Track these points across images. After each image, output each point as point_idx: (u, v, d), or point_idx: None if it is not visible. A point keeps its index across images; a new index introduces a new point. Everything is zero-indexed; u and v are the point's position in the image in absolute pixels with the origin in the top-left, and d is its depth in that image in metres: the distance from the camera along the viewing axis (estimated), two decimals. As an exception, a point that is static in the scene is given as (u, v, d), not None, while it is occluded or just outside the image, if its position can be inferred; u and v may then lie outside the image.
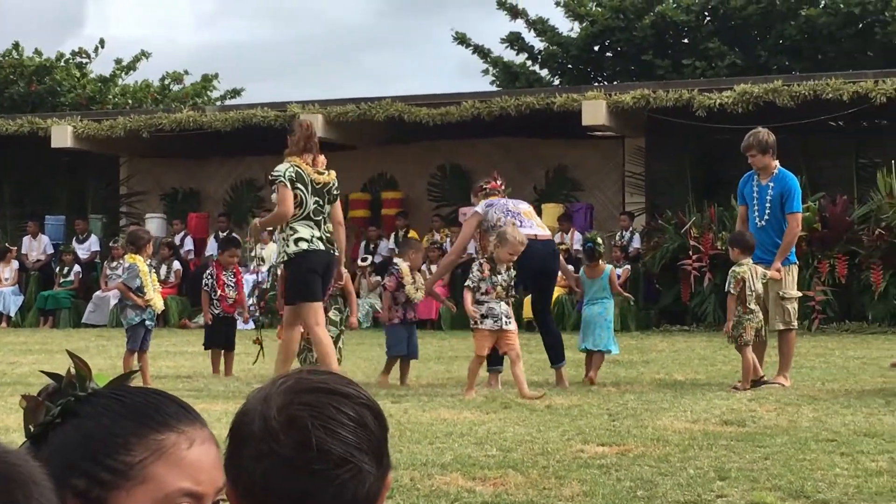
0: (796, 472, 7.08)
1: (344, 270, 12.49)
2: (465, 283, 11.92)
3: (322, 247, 11.27)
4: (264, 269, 22.78)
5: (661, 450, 7.91)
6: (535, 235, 12.55)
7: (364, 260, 24.20)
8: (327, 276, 11.45)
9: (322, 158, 11.70)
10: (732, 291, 11.89)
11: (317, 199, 11.37)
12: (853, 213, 20.74)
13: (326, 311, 12.19)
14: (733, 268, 11.96)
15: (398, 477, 6.96)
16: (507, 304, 11.64)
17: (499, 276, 11.56)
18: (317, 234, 11.29)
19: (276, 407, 1.99)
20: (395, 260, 13.83)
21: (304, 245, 11.21)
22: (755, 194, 12.41)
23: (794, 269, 12.45)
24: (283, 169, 11.39)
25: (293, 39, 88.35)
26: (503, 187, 13.33)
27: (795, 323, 12.35)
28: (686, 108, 21.73)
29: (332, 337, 12.22)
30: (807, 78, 21.83)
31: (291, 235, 11.26)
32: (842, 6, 30.98)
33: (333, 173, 11.75)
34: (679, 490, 6.65)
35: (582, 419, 9.48)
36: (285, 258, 11.33)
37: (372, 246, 24.84)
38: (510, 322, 11.58)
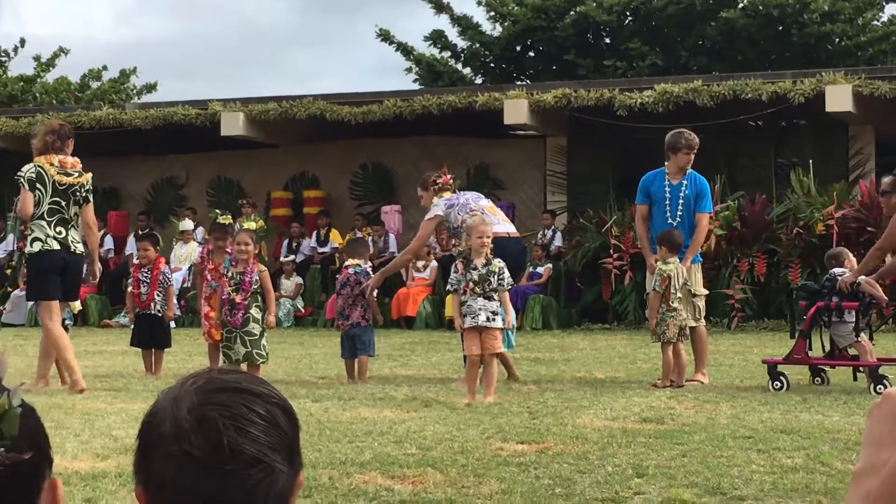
0: (713, 468, 7.13)
1: (262, 267, 12.52)
2: (447, 288, 11.74)
3: (56, 246, 11.43)
4: (184, 267, 22.68)
5: (581, 447, 7.93)
6: (508, 234, 12.63)
7: (286, 258, 24.13)
8: (69, 275, 11.60)
9: (73, 160, 11.71)
10: (658, 289, 11.98)
11: (57, 199, 11.48)
12: (772, 212, 20.92)
13: (248, 308, 12.11)
14: (660, 265, 12.04)
15: (317, 476, 6.94)
16: (489, 298, 11.02)
17: (473, 272, 11.04)
18: (51, 233, 11.43)
19: (187, 407, 1.96)
20: (361, 263, 13.46)
21: (38, 245, 11.45)
22: (667, 193, 12.53)
23: (699, 268, 12.65)
24: (25, 170, 11.60)
25: (212, 36, 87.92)
26: (452, 181, 13.19)
27: (703, 320, 12.53)
28: (607, 107, 21.83)
29: (256, 335, 12.16)
30: (726, 78, 22.01)
31: (30, 235, 11.54)
32: (760, 8, 31.29)
33: (88, 175, 11.78)
34: (597, 487, 6.68)
35: (502, 417, 9.50)
36: (26, 257, 11.80)
37: (294, 244, 24.75)
38: (494, 319, 10.99)
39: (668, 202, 12.52)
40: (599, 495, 6.51)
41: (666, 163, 12.69)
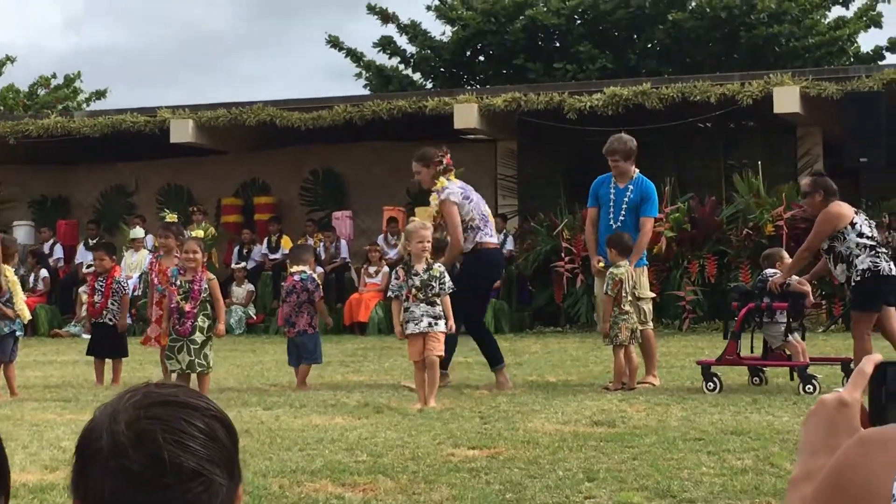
0: (663, 471, 7.15)
1: (211, 275, 12.50)
2: (387, 294, 11.68)
3: None
4: (135, 275, 22.56)
5: (532, 452, 7.94)
6: (496, 244, 12.66)
7: (238, 265, 24.05)
8: None
9: None
10: (610, 293, 12.02)
11: None
12: (722, 213, 21.02)
13: (196, 316, 12.05)
14: (611, 269, 12.09)
15: (268, 485, 6.92)
16: (431, 303, 11.00)
17: (415, 278, 11.02)
18: None
19: (125, 422, 1.94)
20: (307, 270, 13.42)
21: None
22: (612, 196, 12.61)
23: (645, 271, 12.72)
24: None
25: (160, 43, 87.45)
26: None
27: (651, 323, 12.59)
28: (557, 110, 21.88)
29: (199, 344, 12.08)
30: (675, 80, 22.11)
31: None
32: (708, 10, 31.45)
33: None
34: (548, 492, 6.69)
35: (454, 422, 9.49)
36: None
37: (245, 251, 24.67)
38: (437, 323, 10.98)
39: (612, 205, 12.61)
40: (550, 500, 6.52)
41: None
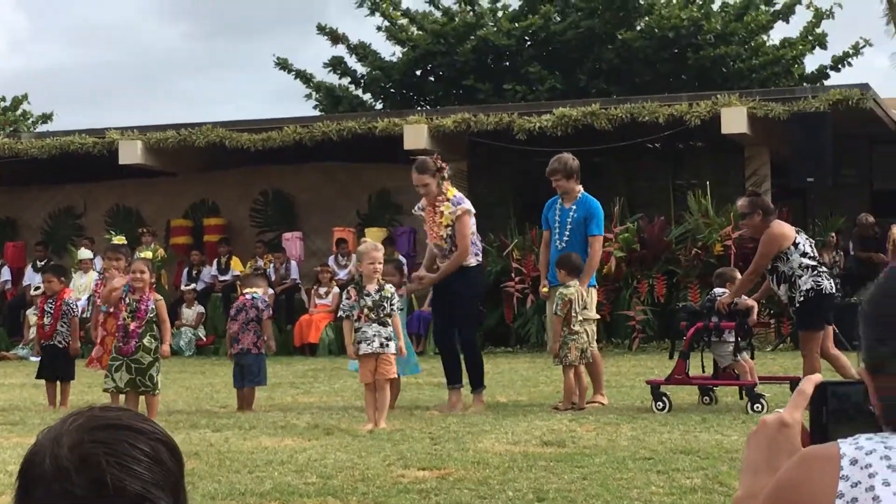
0: (613, 491, 7.16)
1: (158, 296, 12.42)
2: (339, 314, 11.65)
3: None
4: (84, 298, 22.40)
5: (482, 473, 7.93)
6: (479, 263, 12.58)
7: (187, 286, 23.94)
8: None
9: None
10: (559, 313, 12.06)
11: None
12: (671, 233, 21.10)
13: (142, 336, 11.98)
14: (560, 289, 12.13)
15: (216, 508, 6.88)
16: (383, 324, 11.04)
17: (367, 298, 11.04)
18: None
19: (68, 446, 1.94)
20: (259, 292, 13.45)
21: None
22: (557, 217, 12.65)
23: (594, 292, 12.72)
24: None
25: (108, 64, 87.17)
26: None
27: (595, 343, 12.61)
28: (506, 131, 21.93)
29: (144, 364, 11.97)
30: (624, 101, 22.20)
31: None
32: (657, 30, 31.61)
33: None
34: (497, 513, 6.68)
35: (404, 443, 9.47)
36: None
37: (195, 272, 24.55)
38: (388, 345, 11.01)
39: (557, 226, 12.65)
40: (500, 520, 6.51)
41: None
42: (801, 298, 11.38)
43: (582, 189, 12.75)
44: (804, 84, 30.72)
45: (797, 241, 11.49)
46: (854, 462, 1.89)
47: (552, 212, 12.77)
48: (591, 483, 7.45)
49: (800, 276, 11.40)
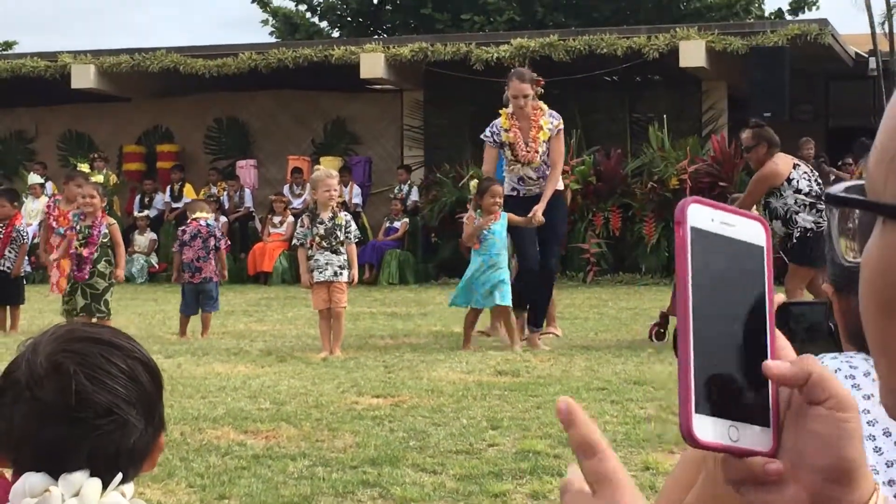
0: (567, 420, 7.15)
1: (111, 220, 12.29)
2: (293, 242, 11.53)
3: None
4: (35, 223, 22.20)
5: (436, 401, 7.92)
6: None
7: (140, 213, 23.76)
8: None
9: None
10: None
11: None
12: (627, 166, 21.09)
13: (96, 262, 11.87)
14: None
15: (169, 432, 6.82)
16: (336, 252, 10.94)
17: (320, 226, 10.96)
18: None
19: (44, 354, 1.97)
20: (211, 217, 13.36)
21: None
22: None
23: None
24: None
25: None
26: None
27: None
28: (464, 61, 21.81)
29: (99, 290, 11.88)
30: (582, 33, 22.11)
31: None
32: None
33: None
34: (451, 440, 6.67)
35: (358, 371, 9.45)
36: None
37: (147, 199, 24.37)
38: (341, 273, 10.93)
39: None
40: (454, 447, 6.50)
41: None
42: (798, 235, 11.03)
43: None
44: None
45: (791, 177, 11.08)
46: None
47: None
48: (544, 412, 7.45)
49: (796, 213, 10.96)
